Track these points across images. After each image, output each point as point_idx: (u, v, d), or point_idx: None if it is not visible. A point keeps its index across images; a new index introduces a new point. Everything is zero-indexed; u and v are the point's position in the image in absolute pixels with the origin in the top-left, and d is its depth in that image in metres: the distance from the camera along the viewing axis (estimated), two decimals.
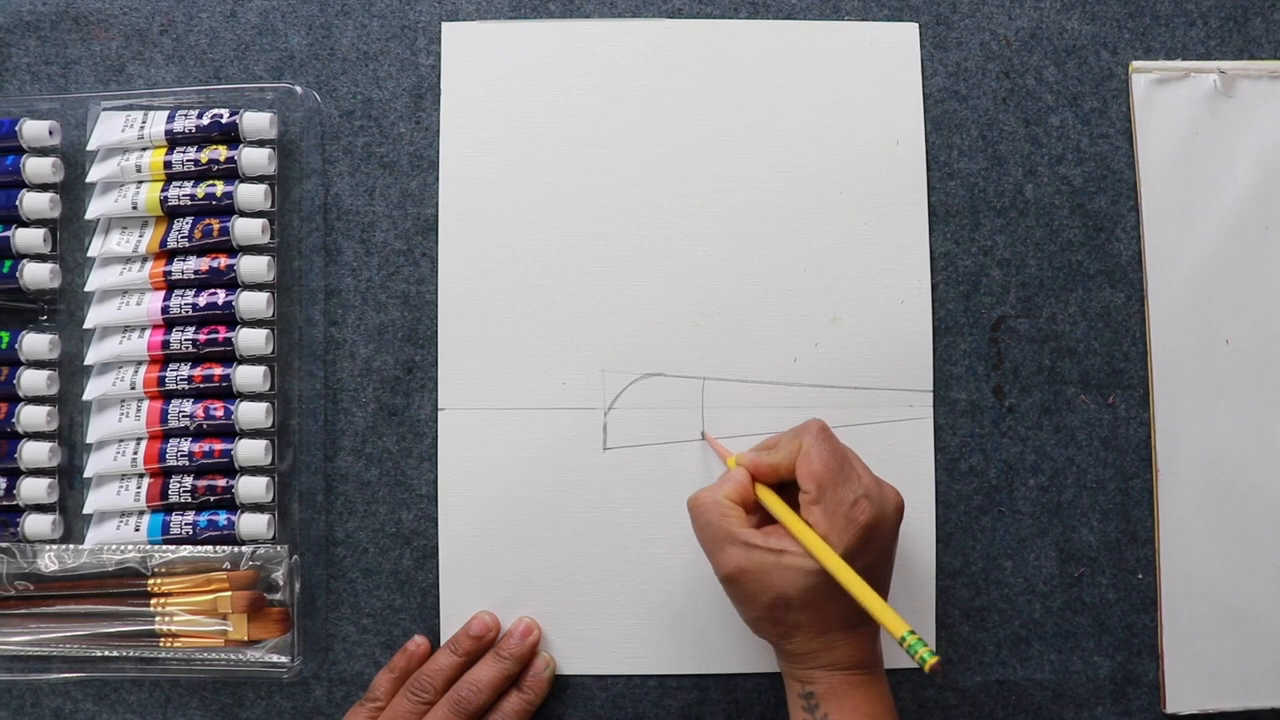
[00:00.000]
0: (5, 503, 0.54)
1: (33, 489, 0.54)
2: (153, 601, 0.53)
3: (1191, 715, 0.55)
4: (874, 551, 0.47)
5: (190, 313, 0.54)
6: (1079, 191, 0.58)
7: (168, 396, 0.55)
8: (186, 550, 0.53)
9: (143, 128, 0.55)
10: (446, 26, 0.57)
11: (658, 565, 0.56)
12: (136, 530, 0.54)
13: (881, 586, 0.48)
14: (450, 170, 0.57)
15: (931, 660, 0.43)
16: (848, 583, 0.45)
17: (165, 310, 0.54)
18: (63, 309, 0.56)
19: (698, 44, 0.58)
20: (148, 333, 0.55)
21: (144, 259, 0.55)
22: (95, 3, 0.57)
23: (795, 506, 0.49)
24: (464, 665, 0.54)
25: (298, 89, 0.56)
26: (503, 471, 0.56)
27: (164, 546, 0.53)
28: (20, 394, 0.54)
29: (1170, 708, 0.55)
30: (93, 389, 0.55)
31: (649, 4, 0.58)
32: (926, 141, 0.57)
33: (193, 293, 0.54)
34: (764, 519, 0.50)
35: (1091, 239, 0.57)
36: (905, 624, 0.44)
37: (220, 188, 0.55)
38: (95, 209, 0.55)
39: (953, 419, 0.57)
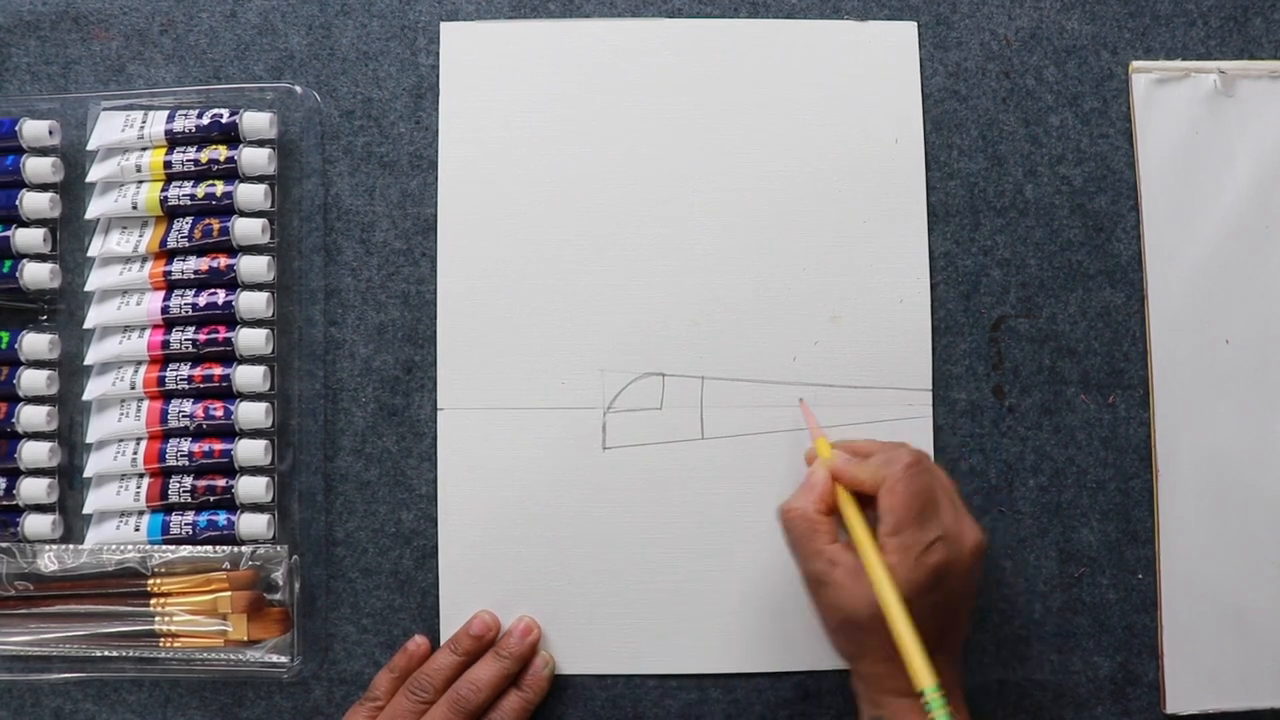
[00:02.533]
0: (5, 503, 0.54)
1: (32, 489, 0.54)
2: (152, 601, 0.53)
3: (1191, 715, 0.55)
4: (943, 591, 0.47)
5: (190, 313, 0.54)
6: (1079, 191, 0.58)
7: (168, 396, 0.55)
8: (186, 550, 0.53)
9: (143, 128, 0.55)
10: (445, 26, 0.57)
11: (657, 565, 0.56)
12: (136, 530, 0.54)
13: (952, 625, 0.48)
14: (449, 170, 0.57)
15: None
16: (891, 617, 0.45)
17: (165, 310, 0.54)
18: (63, 309, 0.56)
19: (697, 44, 0.58)
20: (148, 333, 0.55)
21: (144, 259, 0.55)
22: (95, 3, 0.57)
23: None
24: (464, 664, 0.54)
25: (298, 89, 0.56)
26: (502, 471, 0.56)
27: (164, 546, 0.53)
28: (20, 394, 0.54)
29: (1170, 708, 0.55)
30: (93, 389, 0.55)
31: (649, 4, 0.58)
32: (926, 141, 0.57)
33: (193, 293, 0.54)
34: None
35: (1091, 239, 0.57)
36: (933, 678, 0.44)
37: (220, 187, 0.55)
38: (95, 209, 0.55)
39: (952, 418, 0.57)
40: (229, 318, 0.55)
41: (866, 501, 0.49)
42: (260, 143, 0.55)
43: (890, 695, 0.48)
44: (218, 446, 0.54)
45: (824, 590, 0.48)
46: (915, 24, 0.58)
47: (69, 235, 0.56)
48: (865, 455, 0.50)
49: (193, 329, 0.54)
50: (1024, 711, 0.56)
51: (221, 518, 0.54)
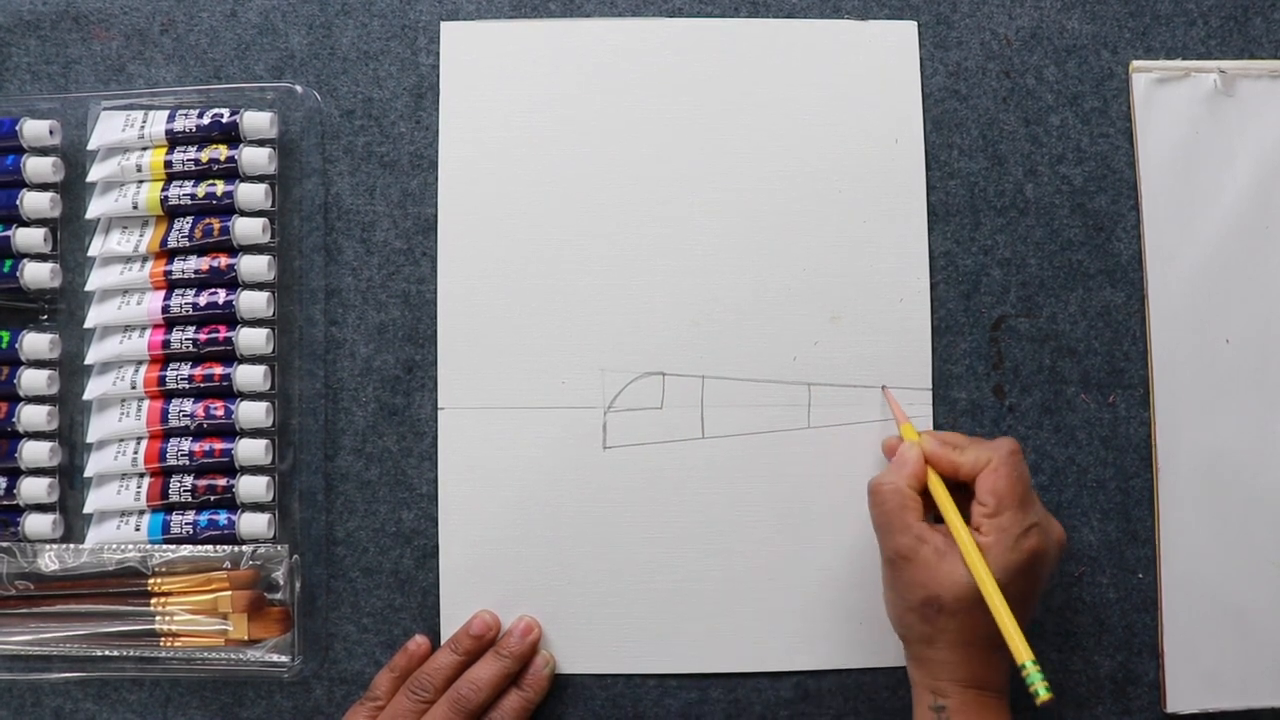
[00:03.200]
0: (5, 502, 0.54)
1: (33, 488, 0.54)
2: (153, 601, 0.53)
3: (1191, 715, 0.55)
4: (1030, 581, 0.48)
5: (190, 312, 0.54)
6: (1079, 191, 0.58)
7: (168, 396, 0.55)
8: (187, 550, 0.53)
9: (143, 127, 0.55)
10: (445, 26, 0.57)
11: (657, 564, 0.56)
12: (137, 530, 0.54)
13: (1025, 616, 0.49)
14: (449, 170, 0.57)
15: (1045, 696, 0.45)
16: (990, 596, 0.46)
17: (165, 310, 0.54)
18: (63, 308, 0.56)
19: (698, 43, 0.58)
20: (148, 332, 0.55)
21: (144, 258, 0.55)
22: (95, 2, 0.57)
23: (962, 507, 0.49)
24: (464, 664, 0.54)
25: (298, 88, 0.56)
26: (503, 471, 0.56)
27: (164, 546, 0.53)
28: (20, 393, 0.54)
29: (1170, 707, 0.55)
30: (93, 388, 0.55)
31: (649, 3, 0.58)
32: (927, 141, 0.58)
33: (193, 292, 0.54)
34: (932, 507, 0.51)
35: (1091, 239, 0.57)
36: (1031, 653, 0.45)
37: (220, 187, 0.55)
38: (95, 208, 0.55)
39: (953, 418, 0.57)
40: (229, 317, 0.55)
41: (953, 490, 0.50)
42: (261, 142, 0.55)
43: (956, 684, 0.48)
44: (218, 446, 0.54)
45: (908, 567, 0.48)
46: (915, 24, 0.58)
47: (69, 235, 0.56)
48: (956, 445, 0.51)
49: (193, 328, 0.54)
50: (1024, 711, 0.56)
51: (222, 517, 0.54)
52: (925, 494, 0.50)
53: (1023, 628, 0.48)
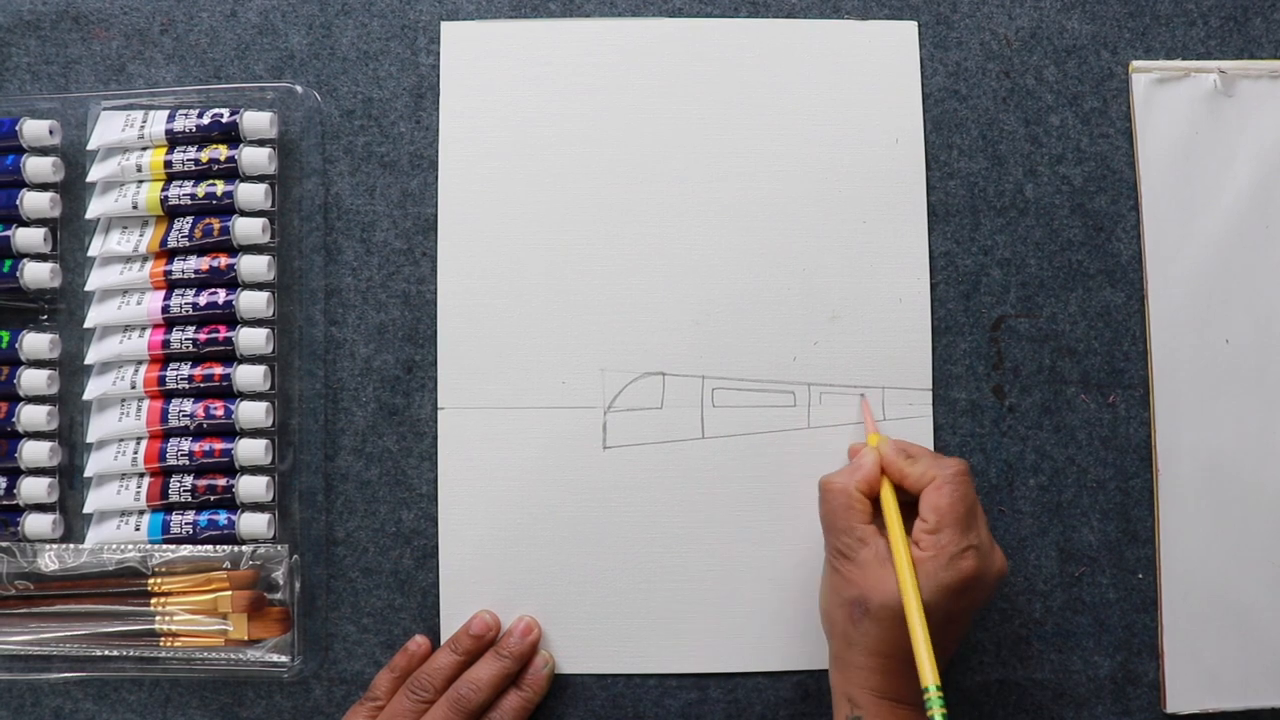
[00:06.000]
0: (5, 502, 0.54)
1: (33, 488, 0.54)
2: (153, 601, 0.53)
3: (1191, 715, 0.55)
4: (959, 602, 0.48)
5: (190, 312, 0.54)
6: (1079, 191, 0.58)
7: (168, 396, 0.55)
8: (187, 550, 0.53)
9: (143, 127, 0.55)
10: (445, 26, 0.57)
11: (657, 564, 0.56)
12: (137, 530, 0.54)
13: (952, 639, 0.49)
14: (449, 170, 0.57)
15: None
16: (909, 609, 0.46)
17: (165, 310, 0.54)
18: (63, 308, 0.56)
19: (698, 43, 0.58)
20: (148, 332, 0.55)
21: (144, 258, 0.55)
22: (95, 2, 0.57)
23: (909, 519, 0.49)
24: (464, 664, 0.54)
25: (298, 88, 0.56)
26: (503, 471, 0.56)
27: (164, 546, 0.53)
28: (20, 393, 0.54)
29: (1170, 707, 0.55)
30: (93, 388, 0.55)
31: (649, 3, 0.58)
32: (926, 141, 0.58)
33: (193, 292, 0.54)
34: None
35: (1091, 239, 0.57)
36: (937, 678, 0.45)
37: (220, 187, 0.55)
38: (95, 208, 0.55)
39: (952, 418, 0.57)
40: (229, 317, 0.55)
41: (908, 507, 0.50)
42: (261, 142, 0.55)
43: (870, 693, 0.48)
44: (218, 446, 0.54)
45: (845, 565, 0.49)
46: (915, 24, 0.58)
47: (69, 235, 0.56)
48: (911, 455, 0.51)
49: (193, 328, 0.54)
50: (1024, 711, 0.56)
51: (222, 517, 0.54)
52: (878, 501, 0.51)
53: (949, 651, 0.48)
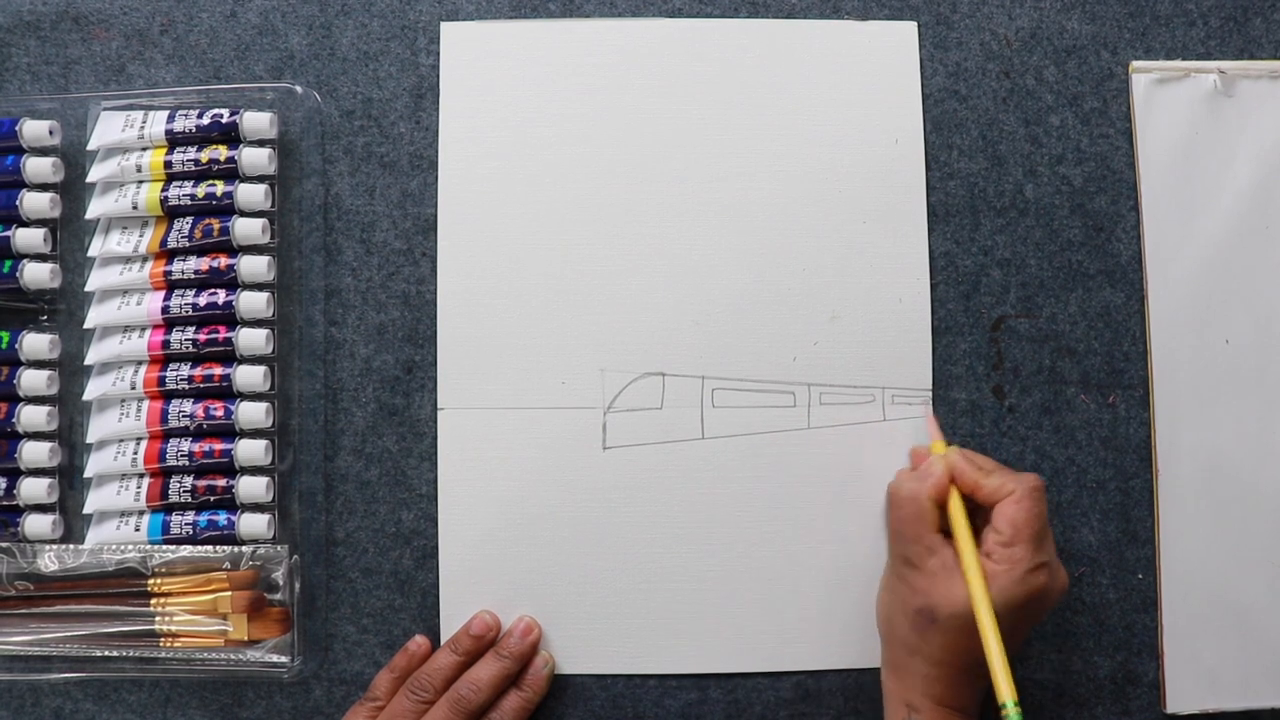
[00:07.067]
0: (5, 503, 0.54)
1: (33, 489, 0.54)
2: (153, 601, 0.53)
3: (1191, 715, 0.55)
4: (1026, 617, 0.48)
5: (190, 312, 0.54)
6: (1079, 191, 0.58)
7: (168, 396, 0.55)
8: (186, 550, 0.53)
9: (143, 128, 0.55)
10: (445, 26, 0.57)
11: (657, 564, 0.56)
12: (136, 530, 0.54)
13: (1011, 651, 0.48)
14: (449, 170, 0.57)
15: None
16: (983, 622, 0.46)
17: (165, 310, 0.54)
18: (63, 309, 0.56)
19: (697, 44, 0.58)
20: (148, 333, 0.55)
21: (144, 259, 0.55)
22: (95, 3, 0.57)
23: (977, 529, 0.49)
24: (464, 665, 0.54)
25: (298, 89, 0.56)
26: (502, 471, 0.56)
27: (164, 546, 0.53)
28: (20, 394, 0.54)
29: (1170, 708, 0.55)
30: (93, 389, 0.55)
31: (649, 4, 0.58)
32: (926, 141, 0.58)
33: (193, 292, 0.54)
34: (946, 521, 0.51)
35: (1091, 239, 0.57)
36: (1015, 693, 0.45)
37: (220, 187, 0.55)
38: (95, 209, 0.55)
39: (952, 418, 0.57)
40: (229, 318, 0.55)
41: (972, 513, 0.50)
42: (260, 143, 0.55)
43: (930, 700, 0.48)
44: (218, 446, 0.54)
45: (912, 574, 0.49)
46: (915, 24, 0.58)
47: (69, 235, 0.56)
48: (985, 469, 0.51)
49: (193, 329, 0.54)
50: (1025, 710, 0.56)
51: (222, 518, 0.54)
52: (943, 508, 0.51)
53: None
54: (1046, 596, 0.48)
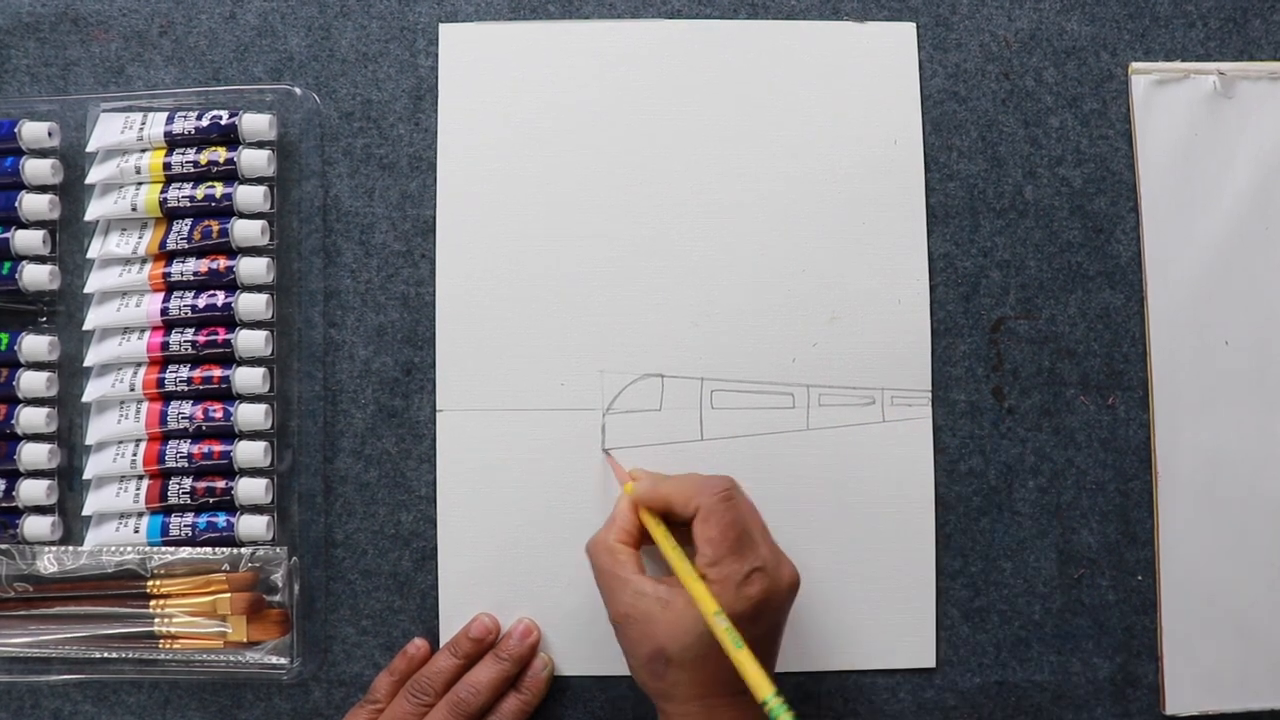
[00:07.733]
0: (5, 504, 0.54)
1: (32, 491, 0.54)
2: (152, 603, 0.53)
3: (1191, 717, 0.55)
4: (760, 627, 0.46)
5: (189, 314, 0.54)
6: (1078, 193, 0.58)
7: (167, 398, 0.55)
8: (186, 552, 0.53)
9: (142, 129, 0.55)
10: (444, 28, 0.57)
11: None
12: (136, 532, 0.54)
13: (767, 660, 0.47)
14: (449, 171, 0.57)
15: None
16: (718, 631, 0.44)
17: (164, 312, 0.54)
18: (62, 310, 0.56)
19: (697, 44, 0.58)
20: (147, 334, 0.55)
21: (143, 260, 0.55)
22: (95, 4, 0.57)
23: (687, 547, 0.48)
24: (463, 667, 0.54)
25: (297, 90, 0.56)
26: (501, 473, 0.56)
27: (163, 548, 0.53)
28: (20, 396, 0.54)
29: (1170, 709, 0.55)
30: (92, 390, 0.55)
31: (648, 4, 0.58)
32: (926, 142, 0.57)
33: (192, 294, 0.54)
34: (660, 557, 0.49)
35: (1091, 240, 0.57)
36: (771, 685, 0.43)
37: (219, 189, 0.55)
38: (94, 210, 0.55)
39: (952, 420, 0.57)
40: (228, 319, 0.55)
41: (681, 538, 0.49)
42: (260, 144, 0.55)
43: None
44: (217, 448, 0.54)
45: (631, 625, 0.47)
46: (914, 25, 0.58)
47: (68, 237, 0.56)
48: (667, 487, 0.49)
49: (192, 331, 0.54)
50: (1023, 713, 0.56)
51: (221, 519, 0.54)
52: (645, 540, 0.49)
53: (769, 669, 0.45)
54: (771, 599, 0.47)
